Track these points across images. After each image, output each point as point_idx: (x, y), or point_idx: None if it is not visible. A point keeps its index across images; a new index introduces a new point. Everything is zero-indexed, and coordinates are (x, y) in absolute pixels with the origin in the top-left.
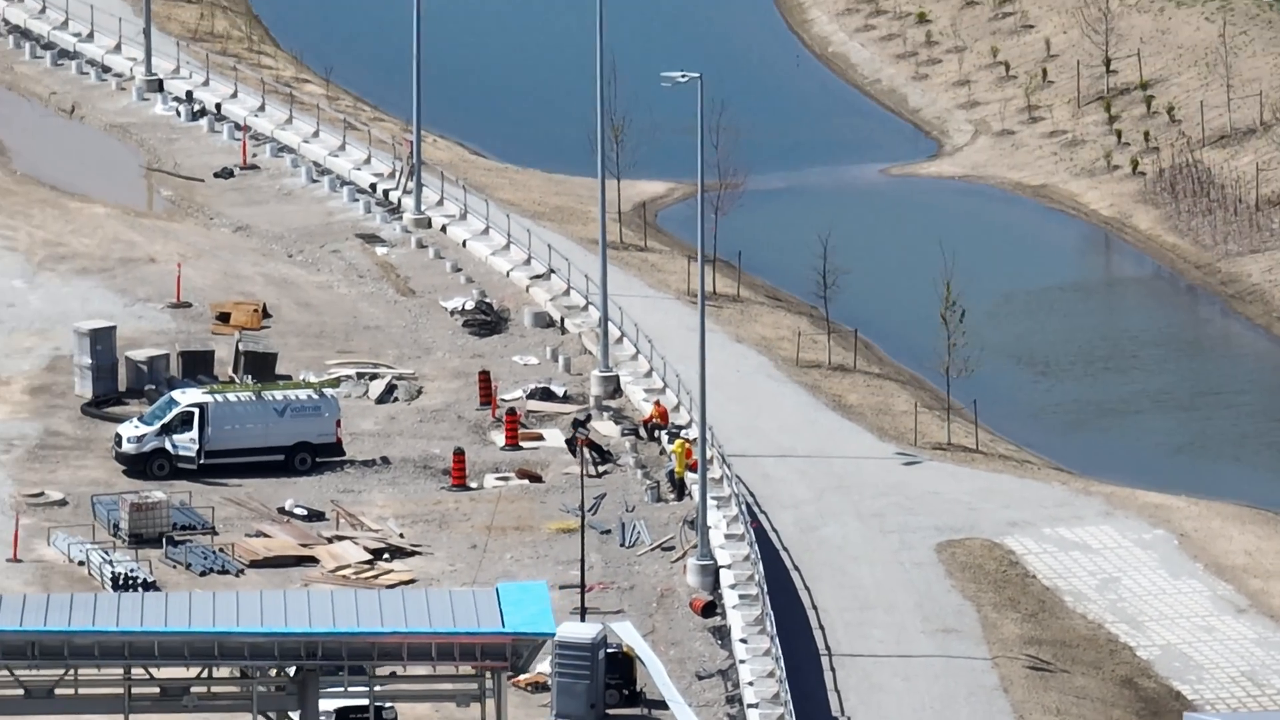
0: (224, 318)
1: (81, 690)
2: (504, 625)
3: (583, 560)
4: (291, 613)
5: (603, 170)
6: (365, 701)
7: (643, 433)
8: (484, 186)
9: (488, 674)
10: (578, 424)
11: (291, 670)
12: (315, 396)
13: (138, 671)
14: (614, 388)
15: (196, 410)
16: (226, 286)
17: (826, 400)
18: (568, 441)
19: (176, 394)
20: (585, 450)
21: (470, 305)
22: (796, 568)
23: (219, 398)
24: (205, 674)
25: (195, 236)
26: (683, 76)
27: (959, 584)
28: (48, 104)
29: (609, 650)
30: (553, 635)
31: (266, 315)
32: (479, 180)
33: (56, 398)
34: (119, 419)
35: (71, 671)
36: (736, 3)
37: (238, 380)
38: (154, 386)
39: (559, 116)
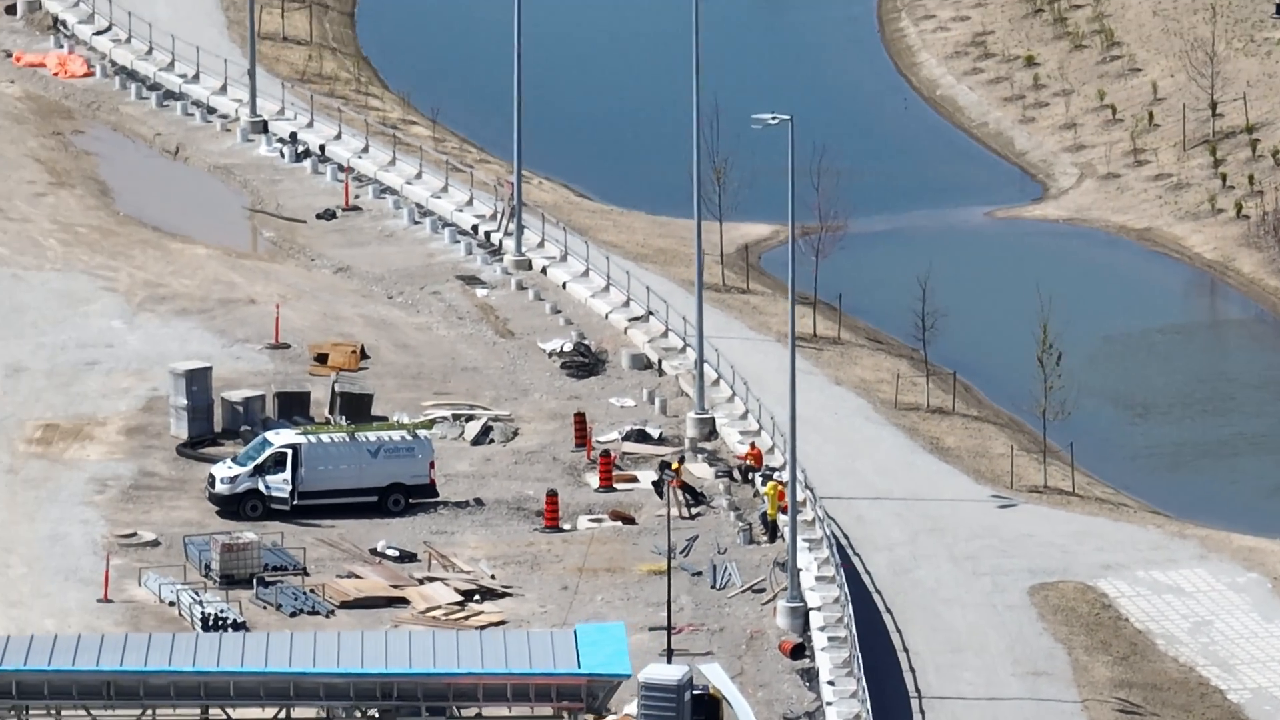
0: (322, 359)
1: None
2: (579, 666)
3: (669, 601)
4: (368, 653)
5: (699, 211)
6: None
7: (737, 475)
8: (587, 228)
9: (565, 715)
10: (664, 466)
11: (375, 711)
12: (409, 438)
13: (215, 712)
14: (709, 430)
15: (290, 451)
16: (326, 328)
17: (924, 443)
18: (654, 484)
19: (270, 435)
20: (678, 492)
21: (568, 347)
22: (889, 610)
23: (312, 439)
24: (284, 715)
25: (296, 278)
26: (773, 118)
27: (1051, 627)
28: (152, 145)
29: (695, 692)
30: (628, 676)
31: (364, 356)
32: (582, 222)
33: (152, 438)
34: (214, 460)
35: (148, 711)
36: (847, 46)
37: (333, 421)
38: (249, 427)
39: (664, 158)
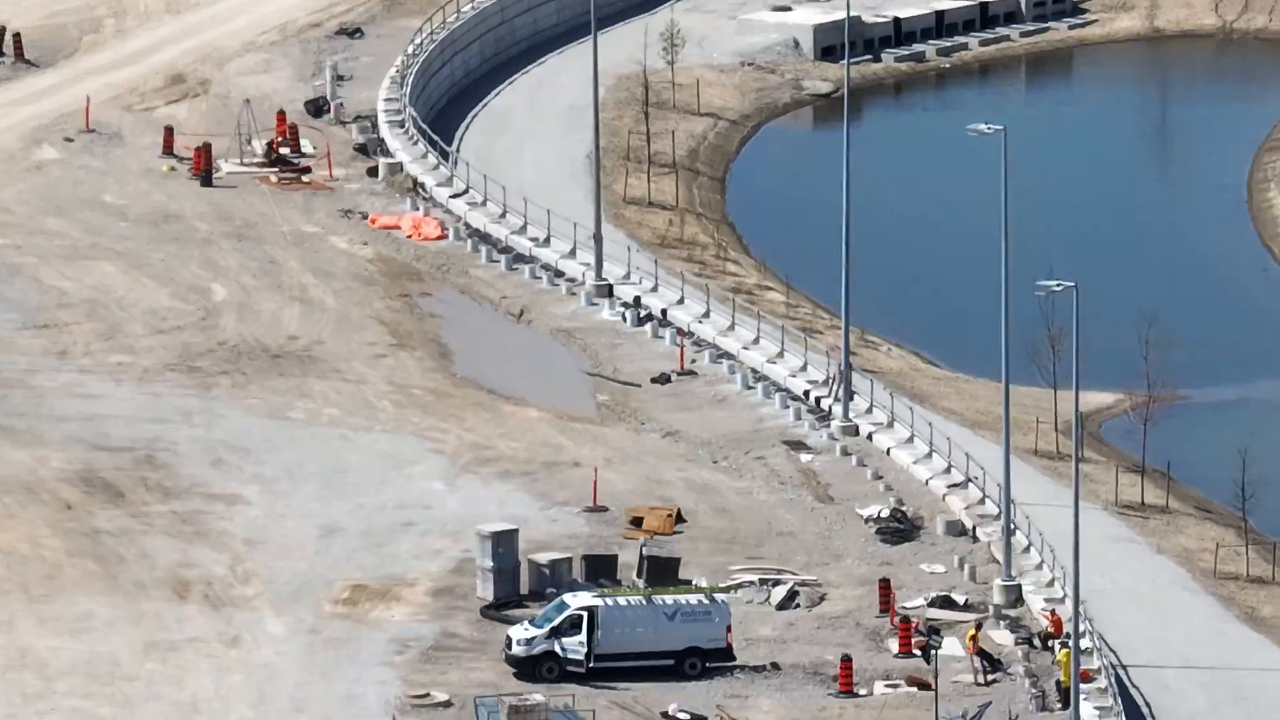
0: (637, 522)
1: None
2: None
3: None
4: None
5: (1007, 374)
6: None
7: (1037, 642)
8: (928, 395)
9: None
10: (933, 632)
11: None
12: (706, 601)
13: None
14: (1015, 597)
15: (586, 614)
16: (646, 491)
17: (1239, 612)
18: (922, 650)
19: (567, 597)
20: (975, 658)
21: (885, 513)
22: None
23: (609, 601)
24: None
25: (624, 441)
26: (1058, 286)
27: None
28: (498, 308)
29: None
30: None
31: (680, 520)
32: (924, 389)
33: (458, 600)
34: (516, 621)
35: None
36: (1214, 214)
37: (637, 585)
38: (555, 590)
39: (1019, 325)
